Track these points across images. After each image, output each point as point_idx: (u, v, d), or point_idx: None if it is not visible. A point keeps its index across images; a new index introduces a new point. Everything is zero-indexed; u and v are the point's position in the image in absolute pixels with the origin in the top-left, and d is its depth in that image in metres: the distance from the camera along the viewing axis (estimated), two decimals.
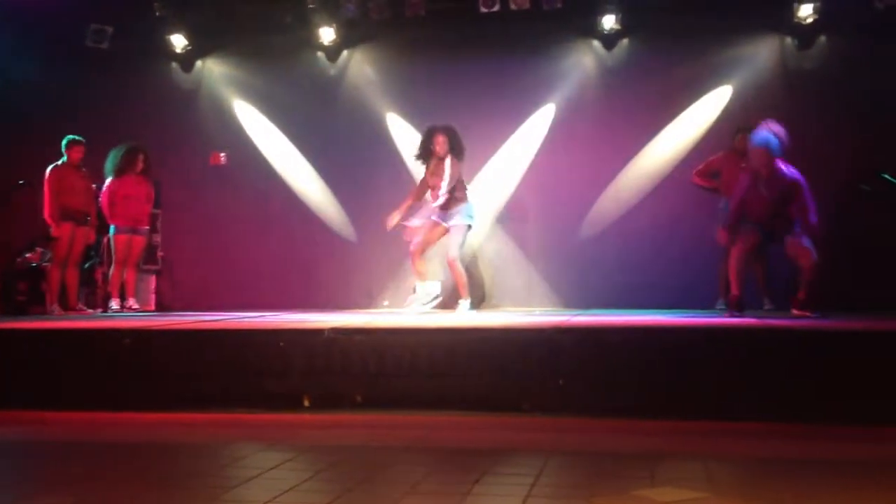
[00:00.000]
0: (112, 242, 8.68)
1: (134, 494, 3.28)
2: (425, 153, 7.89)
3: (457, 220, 7.78)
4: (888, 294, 7.89)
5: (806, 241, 6.78)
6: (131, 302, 8.77)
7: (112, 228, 8.64)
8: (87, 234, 8.67)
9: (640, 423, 4.77)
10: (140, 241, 8.81)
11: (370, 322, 6.49)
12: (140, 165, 8.72)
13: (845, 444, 4.26)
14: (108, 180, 8.64)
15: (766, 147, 6.63)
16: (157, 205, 9.35)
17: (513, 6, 8.94)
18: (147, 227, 8.93)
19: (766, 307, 8.14)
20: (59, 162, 8.56)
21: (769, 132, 6.67)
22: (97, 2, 9.48)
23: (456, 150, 7.83)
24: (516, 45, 9.34)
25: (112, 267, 8.71)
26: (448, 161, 7.75)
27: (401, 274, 9.34)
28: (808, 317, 6.50)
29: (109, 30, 9.55)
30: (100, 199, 8.69)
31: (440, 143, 7.79)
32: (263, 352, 5.46)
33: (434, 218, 7.80)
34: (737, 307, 6.88)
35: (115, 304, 8.63)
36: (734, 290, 6.93)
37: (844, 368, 4.81)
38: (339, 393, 5.32)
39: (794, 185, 6.74)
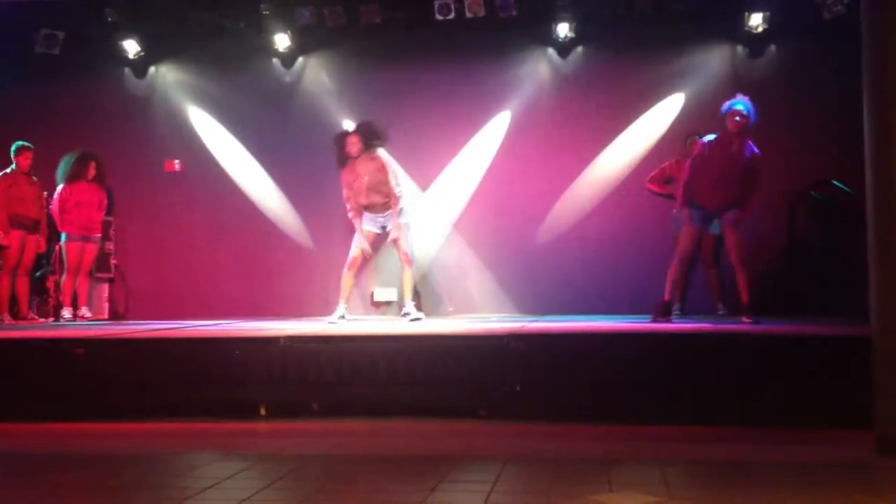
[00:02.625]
0: (63, 250, 8.56)
1: None
2: (341, 157, 7.67)
3: (396, 219, 7.63)
4: (839, 298, 8.02)
5: (740, 234, 6.82)
6: (84, 311, 8.65)
7: (63, 236, 8.52)
8: (37, 242, 8.55)
9: (596, 428, 4.81)
10: (92, 249, 8.70)
11: (327, 330, 6.48)
12: (92, 172, 8.62)
13: (796, 447, 4.34)
14: (60, 187, 8.53)
15: (746, 113, 6.63)
16: (109, 212, 9.23)
17: (468, 14, 8.95)
18: (99, 235, 8.82)
19: (720, 312, 8.24)
20: (8, 169, 8.43)
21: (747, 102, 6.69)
22: (48, 7, 9.32)
23: (379, 140, 7.65)
24: (472, 53, 9.35)
25: (64, 275, 8.59)
26: (381, 154, 7.59)
27: (359, 280, 9.31)
28: (751, 322, 6.55)
29: (61, 35, 9.40)
30: (51, 206, 8.58)
31: (352, 143, 7.57)
32: (219, 360, 5.43)
33: (374, 229, 7.71)
34: (661, 313, 6.92)
35: (67, 312, 8.51)
36: (665, 295, 7.00)
37: (794, 373, 4.90)
38: (296, 401, 5.31)
39: (756, 159, 6.79)
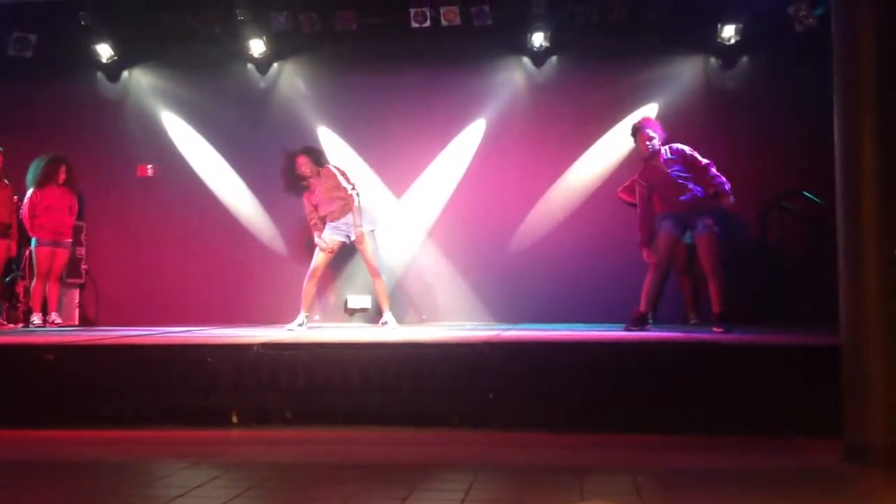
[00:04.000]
0: (33, 255, 8.48)
1: None
2: (293, 179, 8.14)
3: (355, 220, 7.99)
4: (808, 309, 8.11)
5: (714, 243, 6.92)
6: (54, 316, 8.58)
7: (33, 241, 8.45)
8: (8, 247, 8.45)
9: (569, 436, 4.83)
10: (63, 254, 8.63)
11: (300, 337, 6.46)
12: (62, 176, 8.57)
13: (766, 455, 4.37)
14: (30, 191, 8.45)
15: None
16: (80, 217, 9.16)
17: (444, 22, 8.97)
18: (70, 240, 8.75)
19: (692, 321, 8.29)
20: None
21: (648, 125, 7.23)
22: (20, 9, 9.25)
23: (323, 156, 8.33)
24: (447, 61, 9.37)
25: (34, 280, 8.51)
26: (328, 171, 8.08)
27: (331, 287, 9.30)
28: (723, 331, 6.63)
29: (33, 38, 9.32)
30: (21, 210, 8.50)
31: (302, 163, 8.03)
32: (191, 368, 5.39)
33: (339, 237, 8.05)
34: (636, 323, 7.04)
35: (37, 318, 8.43)
36: (641, 307, 7.10)
37: (764, 382, 4.94)
38: (269, 409, 5.29)
39: (686, 153, 7.13)
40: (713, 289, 6.87)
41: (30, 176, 8.49)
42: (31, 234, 8.46)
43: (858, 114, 4.10)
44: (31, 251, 8.55)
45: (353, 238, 7.99)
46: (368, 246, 8.00)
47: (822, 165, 5.06)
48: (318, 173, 8.02)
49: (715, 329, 6.72)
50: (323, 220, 8.06)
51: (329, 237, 8.00)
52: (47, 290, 8.57)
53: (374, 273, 8.06)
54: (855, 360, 4.06)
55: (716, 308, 6.82)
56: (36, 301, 8.51)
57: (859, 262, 4.05)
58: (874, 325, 3.98)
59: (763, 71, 8.98)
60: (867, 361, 3.99)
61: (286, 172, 8.14)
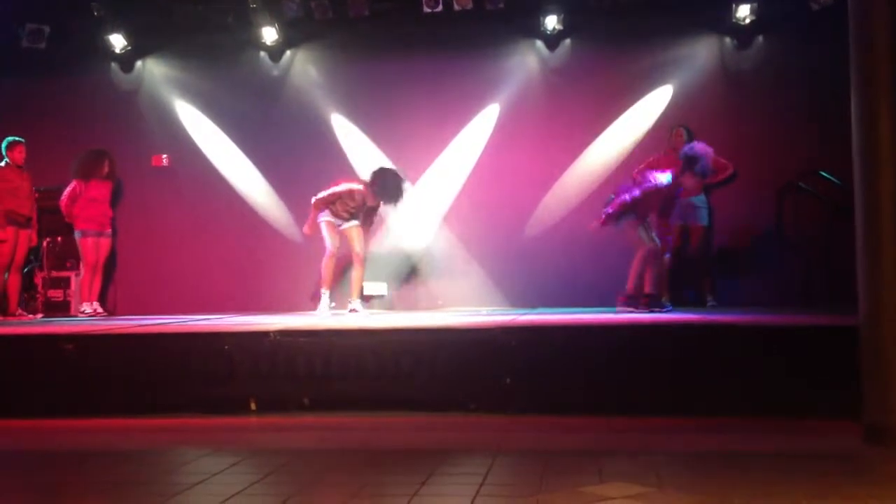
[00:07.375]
0: (79, 247, 8.69)
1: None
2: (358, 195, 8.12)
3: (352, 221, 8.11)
4: (826, 288, 8.08)
5: (640, 230, 7.23)
6: (96, 306, 8.77)
7: (78, 233, 8.69)
8: (29, 238, 8.53)
9: (586, 420, 4.82)
10: (105, 244, 8.93)
11: (316, 324, 6.47)
12: (105, 169, 8.75)
13: (785, 437, 4.36)
14: (74, 182, 8.67)
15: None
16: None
17: (456, 6, 8.95)
18: (110, 230, 9.00)
19: (709, 304, 8.28)
20: (1, 164, 8.40)
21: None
22: (33, 1, 9.27)
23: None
24: (460, 46, 9.35)
25: (82, 271, 8.76)
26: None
27: (346, 275, 9.30)
28: (633, 312, 6.98)
29: (46, 29, 9.36)
30: (61, 198, 8.72)
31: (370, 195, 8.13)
32: (208, 355, 5.41)
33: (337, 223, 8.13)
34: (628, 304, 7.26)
35: (87, 307, 8.63)
36: (646, 289, 7.28)
37: (782, 363, 4.91)
38: (286, 396, 5.30)
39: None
40: (633, 267, 7.26)
41: (76, 167, 8.74)
42: (67, 220, 8.71)
43: (876, 93, 4.06)
44: (77, 242, 8.80)
45: (342, 227, 8.05)
46: (355, 236, 8.02)
47: (839, 145, 5.02)
48: (375, 204, 8.21)
49: (620, 306, 7.18)
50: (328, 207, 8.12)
51: (327, 219, 8.07)
52: (93, 279, 8.80)
53: (359, 260, 8.11)
54: (874, 341, 4.02)
55: (630, 289, 7.25)
56: (85, 291, 8.73)
57: (878, 242, 4.02)
58: (893, 305, 3.95)
59: (779, 51, 8.93)
60: (886, 342, 3.96)
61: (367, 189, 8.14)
